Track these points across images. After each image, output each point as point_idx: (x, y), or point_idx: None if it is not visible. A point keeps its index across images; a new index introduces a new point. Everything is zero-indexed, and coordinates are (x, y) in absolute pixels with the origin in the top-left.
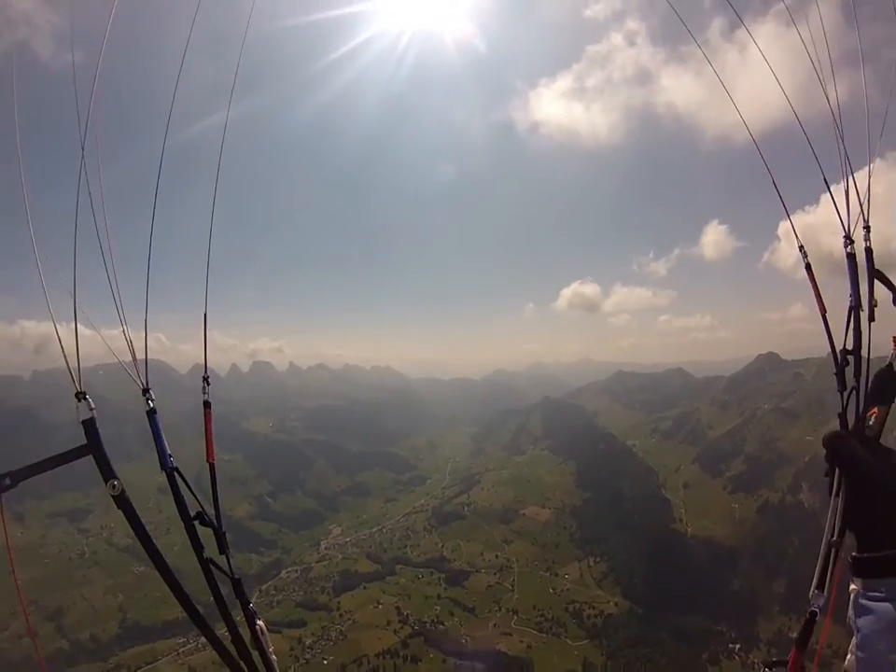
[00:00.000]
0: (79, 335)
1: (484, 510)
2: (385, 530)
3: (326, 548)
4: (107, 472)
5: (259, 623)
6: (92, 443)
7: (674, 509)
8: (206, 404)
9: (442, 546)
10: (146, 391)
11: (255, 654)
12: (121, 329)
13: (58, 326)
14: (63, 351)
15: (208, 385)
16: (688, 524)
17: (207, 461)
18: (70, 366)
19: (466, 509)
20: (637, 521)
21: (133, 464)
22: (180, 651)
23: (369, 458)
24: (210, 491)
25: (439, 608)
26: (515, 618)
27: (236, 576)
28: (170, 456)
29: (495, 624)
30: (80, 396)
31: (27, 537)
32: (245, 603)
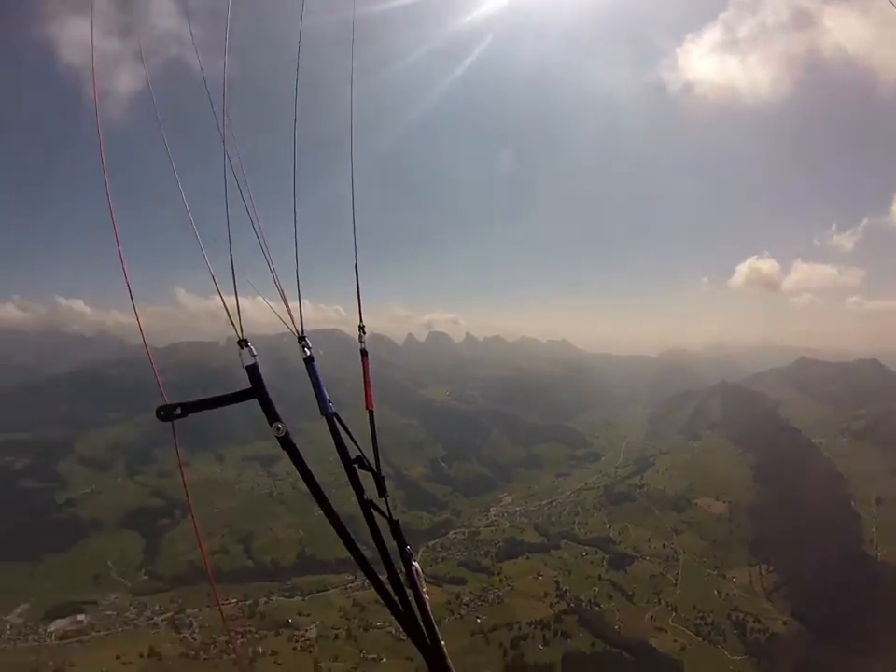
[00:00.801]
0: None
1: (657, 494)
2: (554, 504)
3: (495, 515)
4: (272, 415)
5: (415, 564)
6: (256, 387)
7: (864, 526)
8: (363, 353)
9: (610, 527)
10: (301, 339)
11: (409, 592)
12: (276, 288)
13: (235, 295)
14: (225, 307)
15: (364, 333)
16: (879, 547)
17: (367, 408)
18: (231, 317)
19: (638, 491)
20: (819, 533)
21: (316, 421)
22: (348, 585)
23: (544, 431)
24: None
25: (597, 589)
26: (674, 614)
27: (395, 518)
28: (329, 402)
29: (651, 617)
30: (242, 343)
31: (225, 474)
32: (402, 544)
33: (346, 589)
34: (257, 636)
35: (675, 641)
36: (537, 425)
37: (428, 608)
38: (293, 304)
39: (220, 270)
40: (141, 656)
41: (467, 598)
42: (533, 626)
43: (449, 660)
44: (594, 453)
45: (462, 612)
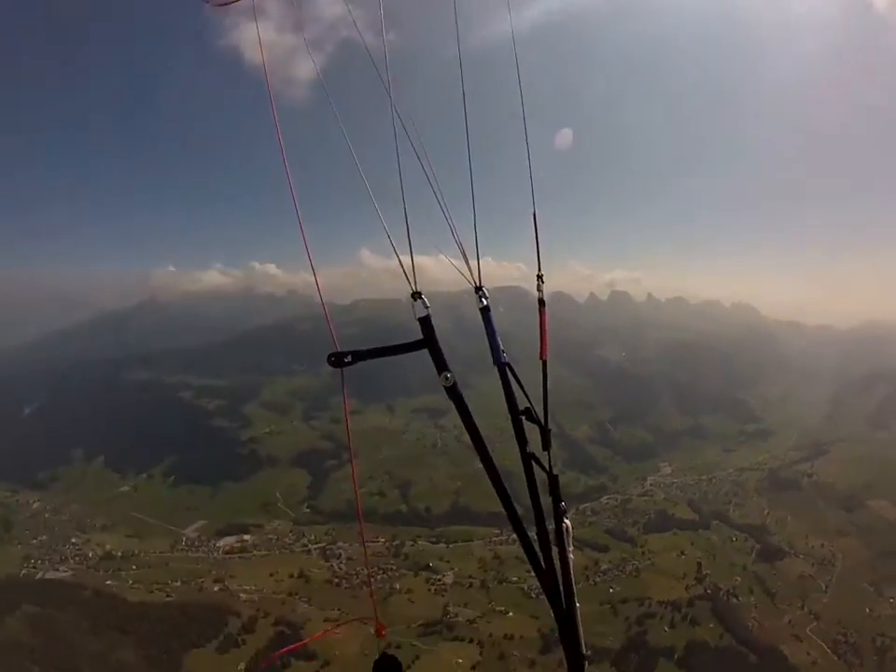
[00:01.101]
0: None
1: (826, 487)
2: (713, 480)
3: (651, 484)
4: (441, 365)
5: (566, 521)
6: (428, 338)
7: None
8: (541, 302)
9: (767, 514)
10: (478, 289)
11: (555, 550)
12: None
13: (409, 250)
14: (399, 262)
15: (542, 282)
16: None
17: (541, 358)
18: (405, 269)
19: (805, 480)
20: None
21: (489, 376)
22: (493, 539)
23: (715, 401)
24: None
25: (739, 579)
26: (814, 624)
27: (554, 473)
28: (503, 352)
29: (790, 621)
30: (416, 296)
31: (394, 423)
32: (557, 500)
33: (490, 542)
34: (397, 574)
35: (808, 654)
36: (708, 394)
37: (571, 567)
38: (473, 260)
39: (401, 229)
40: (291, 576)
41: (605, 566)
42: (664, 606)
43: (580, 625)
44: (764, 430)
45: (597, 579)
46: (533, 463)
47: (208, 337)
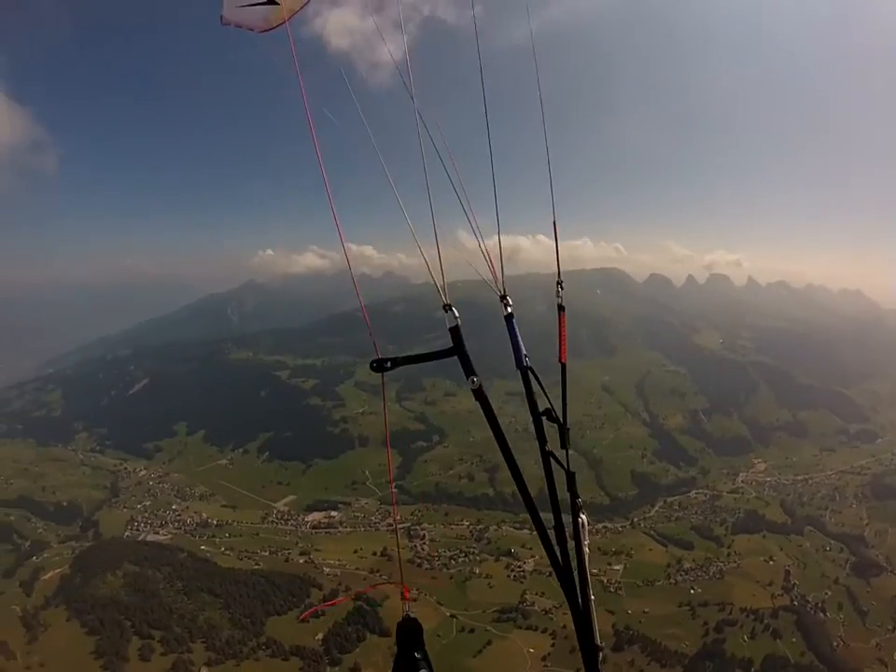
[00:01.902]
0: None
1: None
2: (810, 482)
3: (742, 481)
4: (468, 370)
5: (582, 517)
6: (457, 347)
7: None
8: (560, 308)
9: (867, 524)
10: (502, 298)
11: (571, 544)
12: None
13: (439, 264)
14: (428, 268)
15: (562, 288)
16: None
17: (560, 361)
18: (436, 282)
19: None
20: None
21: (584, 360)
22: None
23: (817, 395)
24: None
25: (829, 593)
26: None
27: (572, 470)
28: (525, 356)
29: (878, 644)
30: (447, 308)
31: None
32: (574, 496)
33: None
34: (478, 558)
35: None
36: (810, 386)
37: (586, 563)
38: (495, 258)
39: (443, 223)
40: (374, 554)
41: (688, 565)
42: (746, 614)
43: (595, 621)
44: (870, 431)
45: (678, 578)
46: (552, 460)
47: (305, 318)
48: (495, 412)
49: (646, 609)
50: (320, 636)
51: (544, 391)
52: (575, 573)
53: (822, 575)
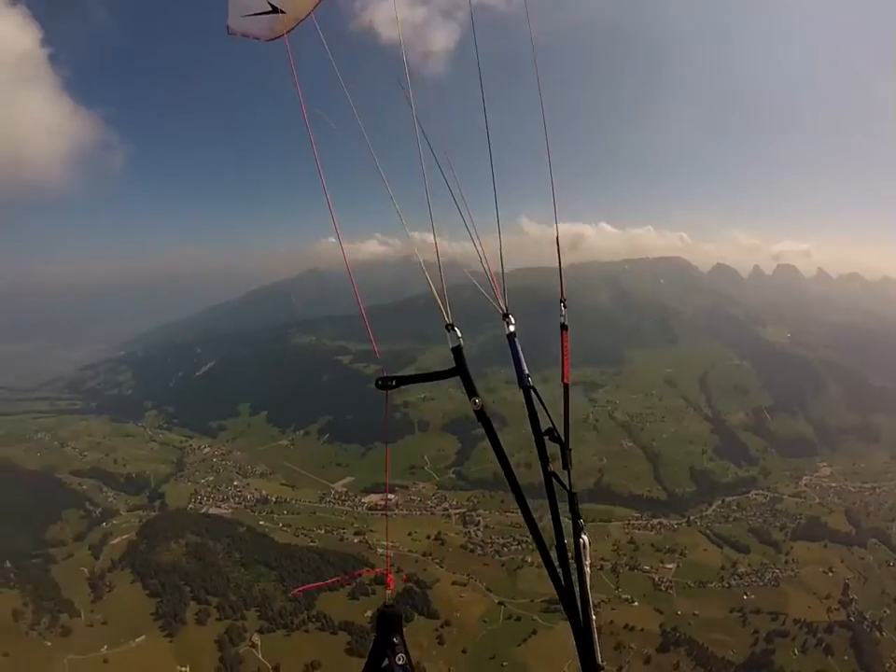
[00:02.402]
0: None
1: None
2: (878, 491)
3: (805, 485)
4: (470, 391)
5: (584, 538)
6: (460, 367)
7: None
8: (563, 327)
9: None
10: (505, 316)
11: (573, 564)
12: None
13: (441, 283)
14: (430, 287)
15: (565, 307)
16: None
17: (563, 382)
18: (440, 301)
19: None
20: None
21: (646, 351)
22: (632, 522)
23: (890, 398)
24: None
25: (888, 612)
26: None
27: (573, 491)
28: (528, 376)
29: None
30: (449, 327)
31: (548, 394)
32: (576, 516)
33: (628, 525)
34: (531, 547)
35: None
36: (883, 388)
37: (587, 583)
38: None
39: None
40: (428, 538)
41: (743, 569)
42: (799, 626)
43: (597, 641)
44: None
45: (732, 582)
46: (554, 480)
47: (368, 304)
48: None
49: (696, 612)
50: (369, 613)
51: (546, 410)
52: (577, 593)
53: (883, 592)
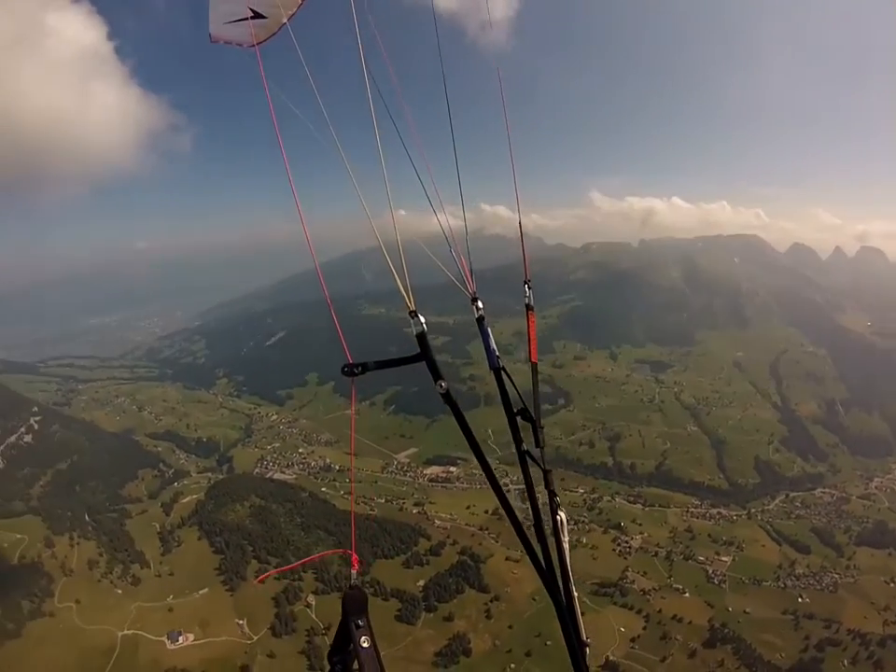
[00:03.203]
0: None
1: None
2: None
3: (876, 487)
4: (435, 375)
5: (561, 514)
6: (424, 353)
7: None
8: (528, 307)
9: None
10: (473, 300)
11: (551, 540)
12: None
13: (403, 268)
14: (391, 270)
15: (529, 288)
16: None
17: (530, 361)
18: (402, 285)
19: None
20: None
21: (717, 332)
22: (690, 509)
23: None
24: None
25: None
26: None
27: (547, 468)
28: (498, 357)
29: None
30: (412, 314)
31: (615, 373)
32: (551, 493)
33: (687, 512)
34: (587, 527)
35: None
36: None
37: (567, 559)
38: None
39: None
40: (486, 512)
41: (800, 570)
42: (852, 636)
43: (579, 617)
44: None
45: (788, 583)
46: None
47: (437, 277)
48: (538, 386)
49: (747, 609)
50: (421, 583)
51: (517, 391)
52: (558, 571)
53: None
